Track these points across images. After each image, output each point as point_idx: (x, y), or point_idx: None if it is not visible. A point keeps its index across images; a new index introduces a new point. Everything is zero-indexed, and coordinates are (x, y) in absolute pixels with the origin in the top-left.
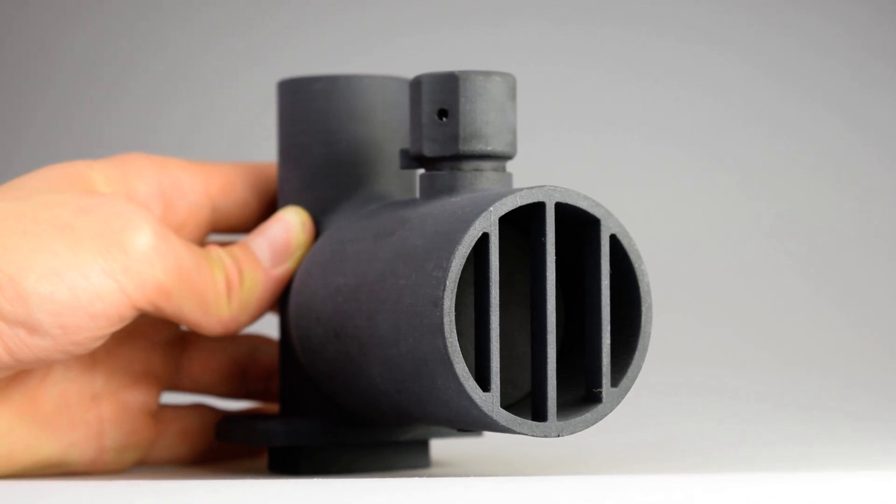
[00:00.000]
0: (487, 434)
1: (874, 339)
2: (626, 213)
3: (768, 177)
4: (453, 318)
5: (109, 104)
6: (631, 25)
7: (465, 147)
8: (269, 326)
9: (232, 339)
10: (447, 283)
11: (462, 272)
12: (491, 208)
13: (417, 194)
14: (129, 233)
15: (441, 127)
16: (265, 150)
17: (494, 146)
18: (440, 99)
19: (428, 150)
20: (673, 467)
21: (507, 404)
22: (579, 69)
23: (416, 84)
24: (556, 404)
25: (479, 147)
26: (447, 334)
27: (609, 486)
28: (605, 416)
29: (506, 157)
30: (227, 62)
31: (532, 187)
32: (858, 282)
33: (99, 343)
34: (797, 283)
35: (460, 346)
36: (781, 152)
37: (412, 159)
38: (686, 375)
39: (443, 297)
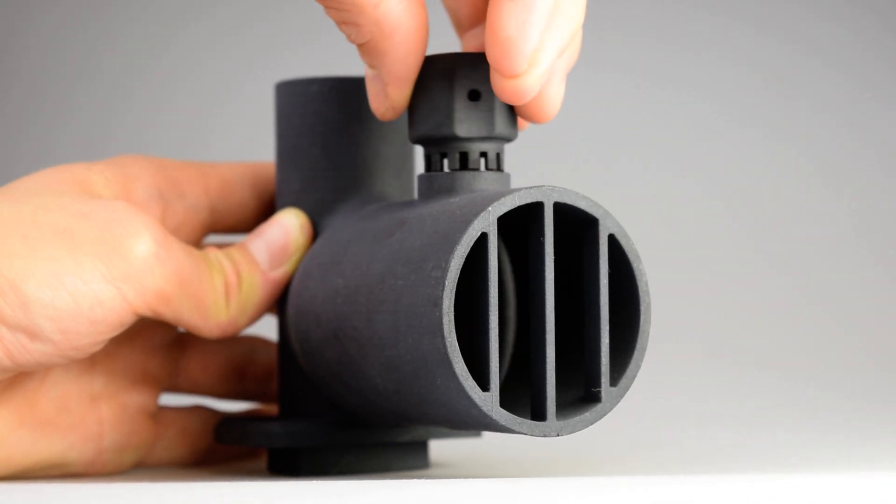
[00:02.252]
0: (486, 435)
1: (874, 340)
2: (624, 212)
3: (767, 177)
4: (452, 318)
5: (110, 105)
6: (631, 25)
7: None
8: (266, 328)
9: (229, 341)
10: (446, 282)
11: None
12: (489, 208)
13: (416, 195)
14: (130, 239)
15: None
16: (264, 152)
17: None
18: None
19: (463, 132)
20: (672, 467)
21: (504, 399)
22: (577, 68)
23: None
24: (555, 404)
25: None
26: (446, 334)
27: (608, 487)
28: (605, 415)
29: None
30: (226, 64)
31: (530, 187)
32: (856, 283)
33: (98, 348)
34: (797, 283)
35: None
36: (779, 153)
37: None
38: (685, 375)
39: (442, 297)
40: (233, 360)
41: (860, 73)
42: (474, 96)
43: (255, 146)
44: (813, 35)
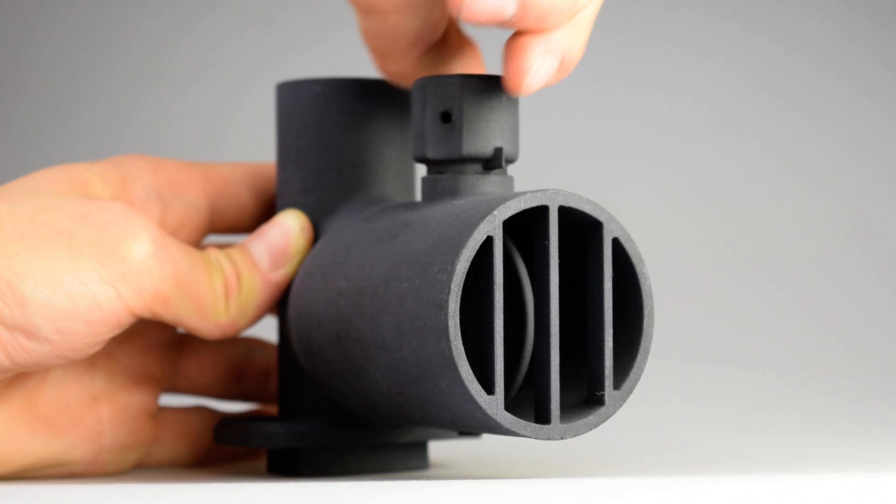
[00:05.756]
0: (486, 436)
1: (872, 343)
2: (628, 216)
3: (768, 178)
4: (458, 322)
5: (112, 106)
6: (633, 28)
7: (468, 150)
8: (264, 328)
9: (228, 342)
10: (451, 286)
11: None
12: (495, 212)
13: (418, 197)
14: (128, 241)
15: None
16: (265, 153)
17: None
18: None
19: (432, 153)
20: (674, 469)
21: (508, 402)
22: (581, 72)
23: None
24: (559, 407)
25: (482, 150)
26: (452, 337)
27: (608, 488)
28: (608, 418)
29: (509, 161)
30: (228, 65)
31: (535, 191)
32: (854, 286)
33: (97, 348)
34: (797, 286)
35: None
36: (780, 155)
37: (416, 160)
38: (688, 378)
39: (447, 301)
40: (231, 361)
41: (856, 76)
42: (446, 118)
43: (256, 147)
44: (811, 38)
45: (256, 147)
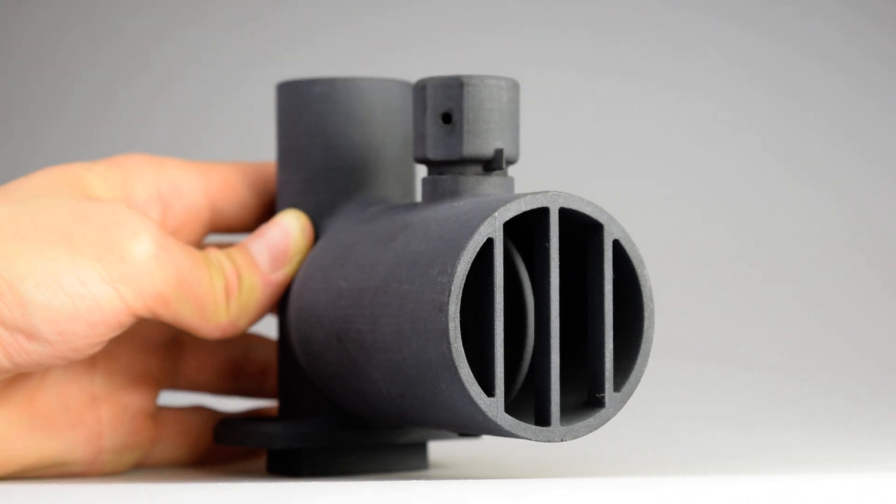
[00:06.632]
0: (485, 436)
1: (870, 341)
2: (628, 216)
3: (770, 180)
4: (458, 324)
5: (110, 105)
6: (634, 28)
7: (468, 151)
8: (263, 326)
9: (227, 339)
10: (452, 288)
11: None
12: (496, 214)
13: (418, 198)
14: (129, 241)
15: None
16: (264, 152)
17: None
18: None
19: (432, 154)
20: (674, 470)
21: (508, 403)
22: (581, 71)
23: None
24: (559, 409)
25: (483, 151)
26: (452, 339)
27: (607, 487)
28: (608, 420)
29: (509, 162)
30: (227, 64)
31: (536, 192)
32: (852, 286)
33: (97, 349)
34: (799, 284)
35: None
36: (781, 154)
37: (416, 161)
38: (688, 378)
39: (448, 303)
40: (229, 358)
41: (857, 76)
42: (446, 119)
43: (255, 146)
44: (811, 38)
45: (256, 147)
